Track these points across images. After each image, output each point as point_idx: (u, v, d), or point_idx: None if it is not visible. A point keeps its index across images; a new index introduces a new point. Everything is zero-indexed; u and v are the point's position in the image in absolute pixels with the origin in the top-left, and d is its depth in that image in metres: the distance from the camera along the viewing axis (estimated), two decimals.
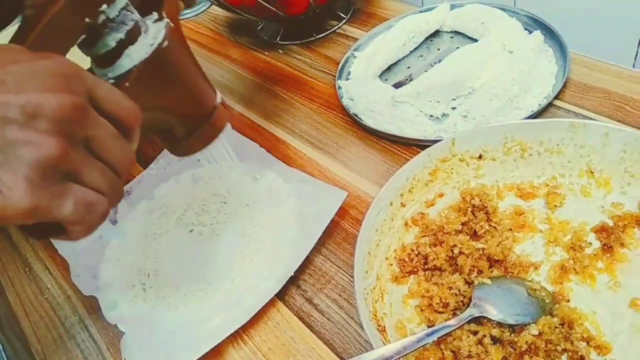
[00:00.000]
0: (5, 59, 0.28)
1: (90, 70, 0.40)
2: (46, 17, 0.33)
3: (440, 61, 0.70)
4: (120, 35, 0.38)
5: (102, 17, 0.37)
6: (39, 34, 0.33)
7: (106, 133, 0.31)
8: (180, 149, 0.47)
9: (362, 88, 0.69)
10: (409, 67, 0.74)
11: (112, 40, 0.38)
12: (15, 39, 0.34)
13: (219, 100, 0.47)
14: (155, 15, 0.41)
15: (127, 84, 0.37)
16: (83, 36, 0.37)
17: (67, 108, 0.28)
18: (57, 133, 0.28)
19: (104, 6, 0.37)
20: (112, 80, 0.38)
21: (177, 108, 0.43)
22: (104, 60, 0.39)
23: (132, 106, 0.33)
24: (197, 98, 0.45)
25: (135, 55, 0.38)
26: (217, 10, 1.02)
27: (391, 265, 0.49)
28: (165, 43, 0.39)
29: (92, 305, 0.55)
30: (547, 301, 0.43)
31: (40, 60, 0.29)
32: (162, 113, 0.42)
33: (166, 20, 0.41)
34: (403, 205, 0.52)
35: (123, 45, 0.38)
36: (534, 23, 0.71)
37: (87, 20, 0.36)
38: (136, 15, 0.39)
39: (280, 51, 0.86)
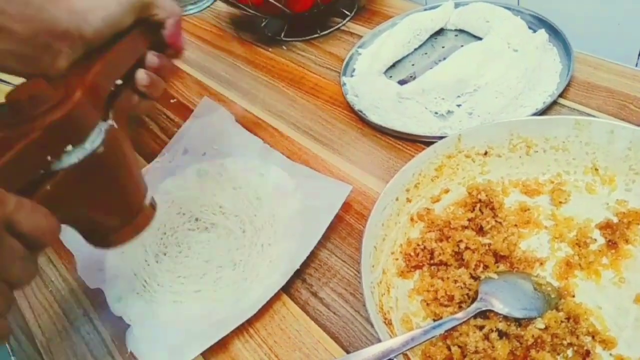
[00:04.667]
0: None
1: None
2: (10, 153, 0.33)
3: (445, 59, 0.70)
4: (72, 160, 0.36)
5: (63, 155, 0.36)
6: (4, 167, 0.33)
7: (14, 257, 0.31)
8: (97, 243, 0.45)
9: (367, 84, 0.70)
10: (413, 65, 0.74)
11: (59, 165, 0.36)
12: None
13: (148, 201, 0.45)
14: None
15: (48, 187, 0.35)
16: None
17: None
18: None
19: (69, 147, 0.36)
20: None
21: (99, 211, 0.41)
22: None
23: (49, 227, 0.33)
24: (123, 201, 0.43)
25: (65, 159, 0.36)
26: (220, 7, 1.03)
27: (397, 259, 0.49)
28: (101, 149, 0.37)
29: (96, 298, 0.55)
30: (552, 296, 0.43)
31: None
32: (83, 214, 0.40)
33: (110, 122, 0.39)
34: (409, 200, 0.52)
35: None
36: (538, 22, 0.72)
37: (48, 158, 0.35)
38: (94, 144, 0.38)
39: (284, 47, 0.87)
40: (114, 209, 0.42)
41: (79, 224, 0.41)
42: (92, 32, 0.41)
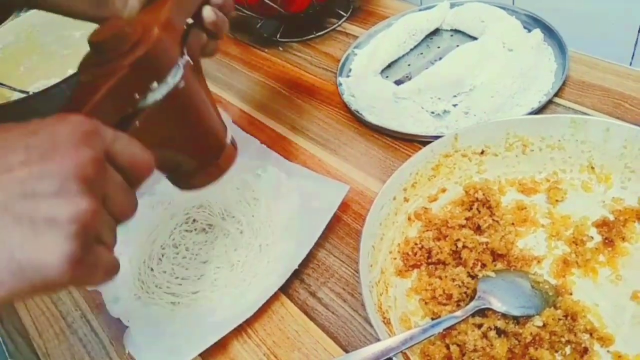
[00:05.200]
0: (25, 132, 0.28)
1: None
2: (100, 92, 0.33)
3: (440, 59, 0.70)
4: (157, 97, 0.37)
5: (149, 92, 0.37)
6: (94, 105, 0.33)
7: (119, 189, 0.31)
8: (184, 184, 0.45)
9: (364, 85, 0.70)
10: (409, 65, 0.74)
11: (144, 102, 0.37)
12: (70, 105, 0.34)
13: (229, 140, 0.46)
14: None
15: (137, 124, 0.36)
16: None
17: (89, 164, 0.28)
18: (86, 192, 0.27)
19: (155, 84, 0.36)
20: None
21: (185, 147, 0.42)
22: None
23: (146, 159, 0.33)
24: (207, 138, 0.44)
25: (150, 95, 0.37)
26: None
27: (395, 259, 0.50)
28: (182, 84, 0.38)
29: (94, 300, 0.55)
30: (550, 294, 0.44)
31: (59, 124, 0.29)
32: (170, 151, 0.41)
33: (186, 57, 0.40)
34: (406, 200, 0.52)
35: None
36: (533, 22, 0.72)
37: (136, 95, 0.36)
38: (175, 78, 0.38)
39: (280, 48, 0.87)
40: (198, 145, 0.43)
41: (165, 165, 0.42)
42: None
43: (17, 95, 0.79)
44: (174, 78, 0.38)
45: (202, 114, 0.42)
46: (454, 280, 0.45)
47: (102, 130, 0.30)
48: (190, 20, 0.44)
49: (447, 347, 0.42)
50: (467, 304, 0.44)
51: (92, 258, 0.28)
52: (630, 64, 0.71)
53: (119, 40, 0.35)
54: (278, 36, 0.88)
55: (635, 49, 0.70)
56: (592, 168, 0.52)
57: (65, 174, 0.27)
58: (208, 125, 0.43)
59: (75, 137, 0.28)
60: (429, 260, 0.49)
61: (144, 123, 0.36)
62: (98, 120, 0.31)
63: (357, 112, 0.67)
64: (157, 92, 0.37)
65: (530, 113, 0.60)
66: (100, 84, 0.34)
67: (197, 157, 0.43)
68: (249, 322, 0.49)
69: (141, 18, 0.40)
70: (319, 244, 0.54)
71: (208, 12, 0.45)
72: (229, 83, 0.82)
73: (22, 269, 0.26)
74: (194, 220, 0.59)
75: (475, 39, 0.73)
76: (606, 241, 0.47)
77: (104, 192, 0.29)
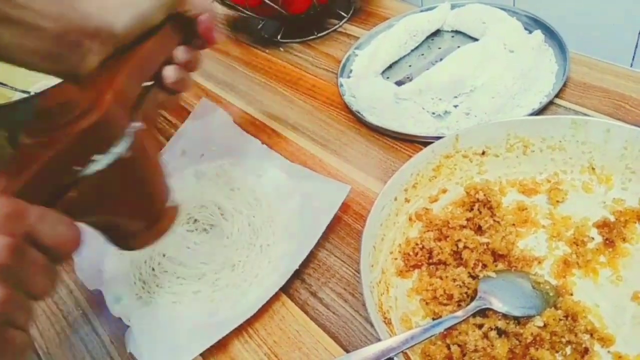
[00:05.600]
0: None
1: None
2: (37, 163, 0.32)
3: (441, 60, 0.70)
4: (98, 167, 0.35)
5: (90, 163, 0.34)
6: (27, 179, 0.32)
7: (38, 269, 0.30)
8: (120, 245, 0.43)
9: (365, 85, 0.70)
10: (410, 66, 0.75)
11: (84, 172, 0.34)
12: (3, 175, 0.32)
13: (171, 202, 0.44)
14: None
15: (72, 195, 0.34)
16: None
17: (2, 252, 0.27)
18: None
19: (97, 156, 0.34)
20: None
21: (123, 213, 0.40)
22: None
23: (73, 236, 0.32)
24: (148, 204, 0.42)
25: (91, 166, 0.34)
26: (217, 8, 1.02)
27: (396, 259, 0.50)
28: (128, 153, 0.36)
29: (95, 300, 0.55)
30: (551, 294, 0.44)
31: None
32: (107, 217, 0.39)
33: (137, 124, 0.37)
34: (407, 200, 0.52)
35: None
36: (534, 23, 0.72)
37: (75, 168, 0.34)
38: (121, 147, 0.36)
39: (281, 49, 0.87)
40: (138, 212, 0.41)
41: (101, 228, 0.40)
42: (123, 29, 0.39)
43: (18, 96, 0.79)
44: (120, 148, 0.36)
45: (145, 181, 0.40)
46: (454, 280, 0.45)
47: (24, 212, 0.29)
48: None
49: (448, 347, 0.42)
50: (467, 304, 0.44)
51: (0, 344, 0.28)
52: (631, 65, 0.71)
53: (66, 109, 0.33)
54: (279, 37, 0.88)
55: (635, 50, 0.70)
56: (593, 169, 0.52)
57: None
58: (150, 192, 0.41)
59: None
60: (430, 261, 0.49)
61: (81, 192, 0.34)
62: (32, 192, 0.30)
63: (358, 112, 0.68)
64: (99, 163, 0.35)
65: (531, 114, 0.60)
66: (39, 153, 0.32)
67: (135, 222, 0.41)
68: (249, 322, 0.49)
69: (97, 77, 0.38)
70: (319, 244, 0.54)
71: (169, 73, 0.43)
72: (230, 84, 0.82)
73: None
74: (195, 220, 0.59)
75: (476, 40, 0.73)
76: (607, 242, 0.47)
77: (20, 276, 0.28)
